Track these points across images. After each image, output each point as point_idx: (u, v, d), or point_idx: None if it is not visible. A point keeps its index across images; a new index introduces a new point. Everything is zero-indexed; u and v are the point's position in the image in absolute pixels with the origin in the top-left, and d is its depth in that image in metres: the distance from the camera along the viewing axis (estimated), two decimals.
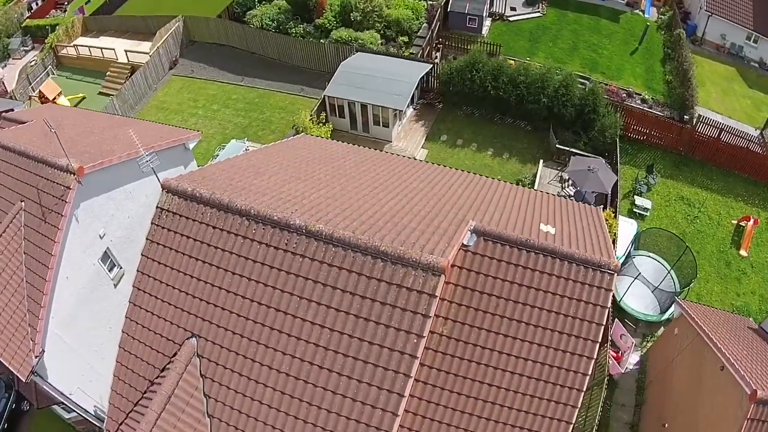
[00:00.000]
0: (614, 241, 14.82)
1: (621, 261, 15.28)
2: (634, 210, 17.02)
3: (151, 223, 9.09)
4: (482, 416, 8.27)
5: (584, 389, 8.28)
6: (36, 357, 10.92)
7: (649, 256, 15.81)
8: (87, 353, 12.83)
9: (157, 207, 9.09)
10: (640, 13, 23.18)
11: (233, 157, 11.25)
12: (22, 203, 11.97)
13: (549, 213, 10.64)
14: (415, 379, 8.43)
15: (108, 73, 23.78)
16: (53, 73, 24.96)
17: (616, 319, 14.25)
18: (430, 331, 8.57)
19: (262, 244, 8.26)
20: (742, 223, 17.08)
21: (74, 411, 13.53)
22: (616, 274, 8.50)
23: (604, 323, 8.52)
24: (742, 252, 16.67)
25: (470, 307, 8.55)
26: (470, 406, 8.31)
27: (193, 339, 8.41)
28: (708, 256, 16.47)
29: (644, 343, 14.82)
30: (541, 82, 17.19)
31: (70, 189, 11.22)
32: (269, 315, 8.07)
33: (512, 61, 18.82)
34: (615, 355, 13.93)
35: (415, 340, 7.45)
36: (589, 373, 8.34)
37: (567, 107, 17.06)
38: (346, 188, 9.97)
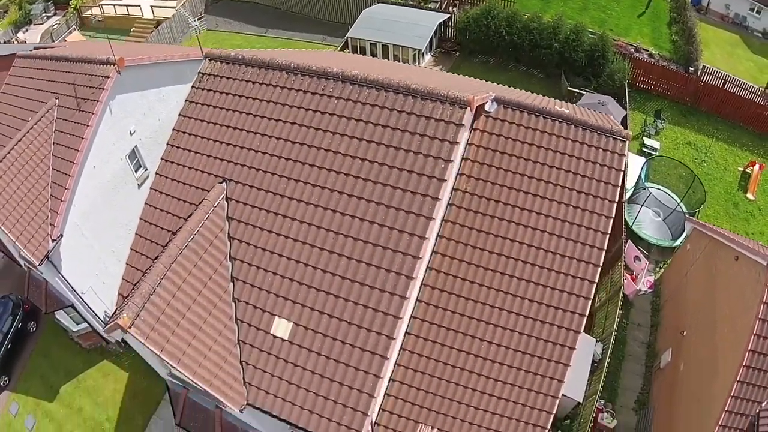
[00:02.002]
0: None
1: (631, 191, 15.64)
2: (644, 150, 17.45)
3: (191, 87, 9.54)
4: (505, 273, 8.50)
5: (604, 248, 8.50)
6: (53, 240, 10.95)
7: (660, 189, 16.16)
8: (103, 252, 12.94)
9: (198, 73, 9.57)
10: None
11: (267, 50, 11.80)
12: (56, 100, 12.46)
13: (564, 107, 11.13)
14: (439, 235, 8.76)
15: (133, 28, 24.67)
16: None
17: (630, 241, 14.47)
18: (453, 188, 8.96)
19: (300, 91, 8.72)
20: (749, 170, 17.45)
21: (83, 320, 13.55)
22: (628, 141, 8.91)
23: (620, 185, 8.87)
24: (749, 195, 16.98)
25: (492, 165, 8.93)
26: (493, 262, 8.54)
27: (224, 183, 8.71)
28: (716, 196, 16.77)
29: (657, 269, 15.01)
30: (553, 29, 17.93)
31: (109, 78, 11.72)
32: (302, 151, 8.44)
33: (525, 16, 19.61)
34: (630, 276, 14.10)
35: (443, 165, 7.80)
36: (608, 231, 8.62)
37: (578, 53, 17.72)
38: (377, 71, 10.48)
